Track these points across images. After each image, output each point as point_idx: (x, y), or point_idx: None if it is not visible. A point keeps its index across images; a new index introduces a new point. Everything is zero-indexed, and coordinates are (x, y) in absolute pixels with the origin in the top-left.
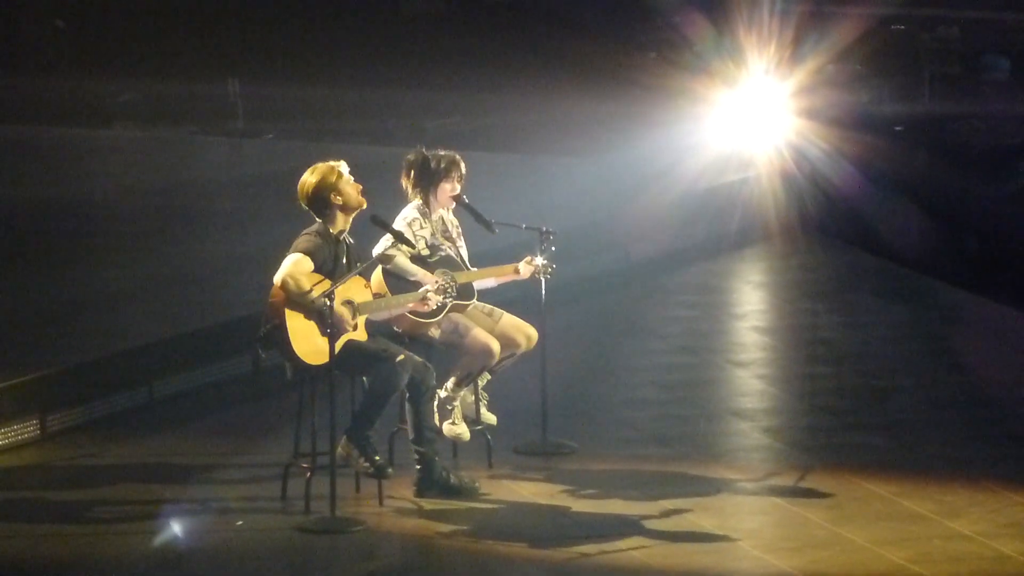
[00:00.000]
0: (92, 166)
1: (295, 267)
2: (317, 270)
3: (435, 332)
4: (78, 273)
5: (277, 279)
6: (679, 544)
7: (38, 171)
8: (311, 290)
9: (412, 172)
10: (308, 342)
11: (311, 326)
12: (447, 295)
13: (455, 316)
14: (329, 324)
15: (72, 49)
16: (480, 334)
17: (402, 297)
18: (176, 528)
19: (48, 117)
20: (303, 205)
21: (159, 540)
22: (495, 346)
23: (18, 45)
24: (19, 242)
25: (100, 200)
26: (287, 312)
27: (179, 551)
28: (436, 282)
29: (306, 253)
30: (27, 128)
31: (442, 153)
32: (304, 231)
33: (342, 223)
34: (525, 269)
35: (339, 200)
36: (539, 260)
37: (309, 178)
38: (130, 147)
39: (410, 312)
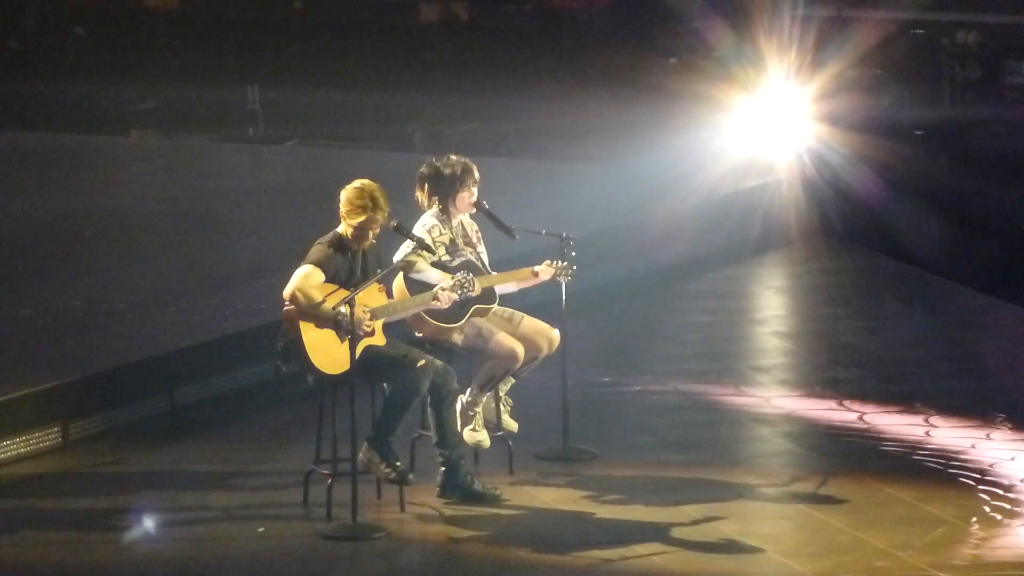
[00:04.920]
0: (112, 173)
1: (304, 280)
2: (331, 280)
3: (458, 338)
4: (99, 280)
5: (286, 293)
6: (701, 550)
7: (58, 178)
8: (323, 300)
9: (427, 185)
10: (326, 353)
11: (327, 336)
12: (464, 289)
13: (478, 321)
14: (349, 331)
15: (93, 57)
16: (504, 338)
17: (417, 297)
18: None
19: (69, 124)
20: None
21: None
22: (520, 349)
23: (39, 53)
24: (40, 249)
25: (120, 207)
26: (302, 324)
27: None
28: (452, 278)
29: (316, 265)
30: (48, 136)
31: (454, 159)
32: (318, 240)
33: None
34: (544, 271)
35: (350, 229)
36: (558, 262)
37: (349, 191)
38: (151, 154)
39: (434, 319)
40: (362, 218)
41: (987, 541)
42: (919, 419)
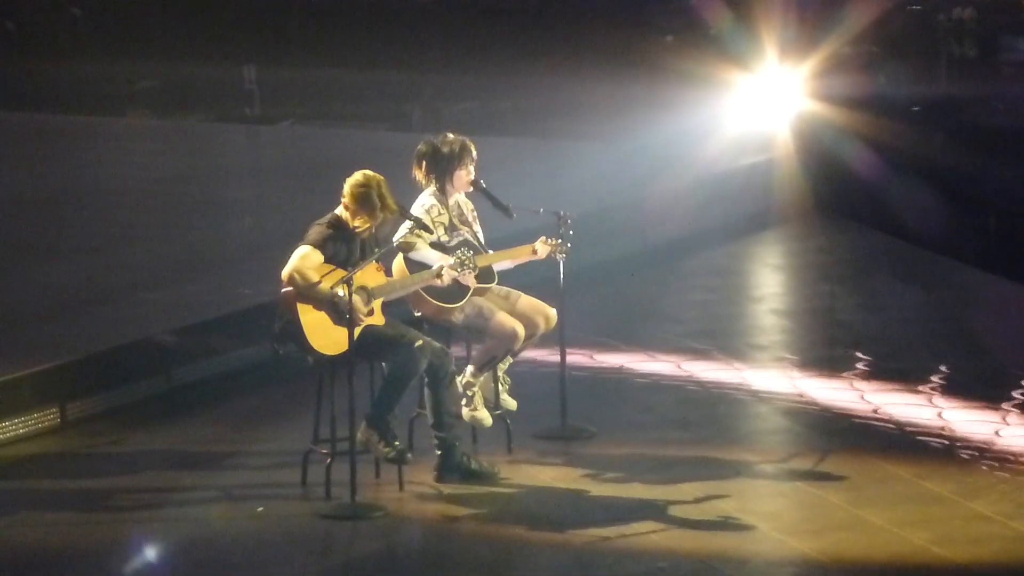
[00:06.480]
0: (109, 154)
1: (302, 261)
2: (330, 261)
3: (458, 317)
4: (96, 261)
5: (284, 274)
6: (699, 527)
7: (55, 158)
8: (320, 281)
9: (424, 163)
10: (323, 334)
11: (325, 317)
12: (464, 268)
13: (478, 300)
14: (347, 312)
15: (88, 37)
16: (504, 318)
17: (417, 275)
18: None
19: (65, 105)
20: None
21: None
22: (520, 329)
23: (35, 33)
24: (37, 230)
25: (117, 187)
26: (299, 306)
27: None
28: (453, 257)
29: (315, 245)
30: (44, 116)
31: (452, 138)
32: (316, 221)
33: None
34: (542, 248)
35: (347, 211)
36: (554, 239)
37: (355, 188)
38: (147, 134)
39: (434, 299)
40: (371, 221)
41: (986, 517)
42: (917, 396)
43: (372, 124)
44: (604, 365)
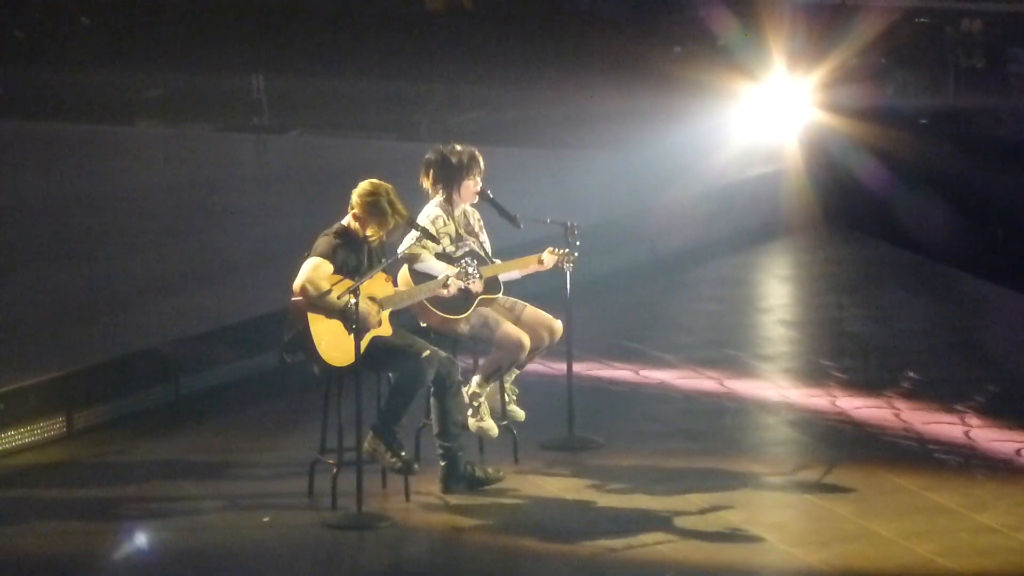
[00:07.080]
0: (118, 162)
1: (313, 272)
2: (339, 271)
3: (464, 327)
4: (103, 269)
5: (296, 285)
6: (706, 539)
7: (64, 167)
8: (331, 291)
9: (432, 172)
10: (333, 345)
11: (335, 328)
12: (470, 278)
13: (484, 311)
14: (354, 322)
15: (98, 46)
16: (510, 328)
17: (423, 286)
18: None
19: (74, 113)
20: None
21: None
22: (526, 339)
23: (44, 42)
24: (45, 238)
25: (125, 196)
26: (310, 316)
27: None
28: (458, 267)
29: (324, 256)
30: (53, 124)
31: (460, 148)
32: (324, 232)
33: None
34: (548, 259)
35: (356, 221)
36: (561, 249)
37: (364, 196)
38: (155, 143)
39: (440, 310)
40: (382, 229)
41: (992, 529)
42: (925, 407)
43: (380, 133)
44: (610, 375)
